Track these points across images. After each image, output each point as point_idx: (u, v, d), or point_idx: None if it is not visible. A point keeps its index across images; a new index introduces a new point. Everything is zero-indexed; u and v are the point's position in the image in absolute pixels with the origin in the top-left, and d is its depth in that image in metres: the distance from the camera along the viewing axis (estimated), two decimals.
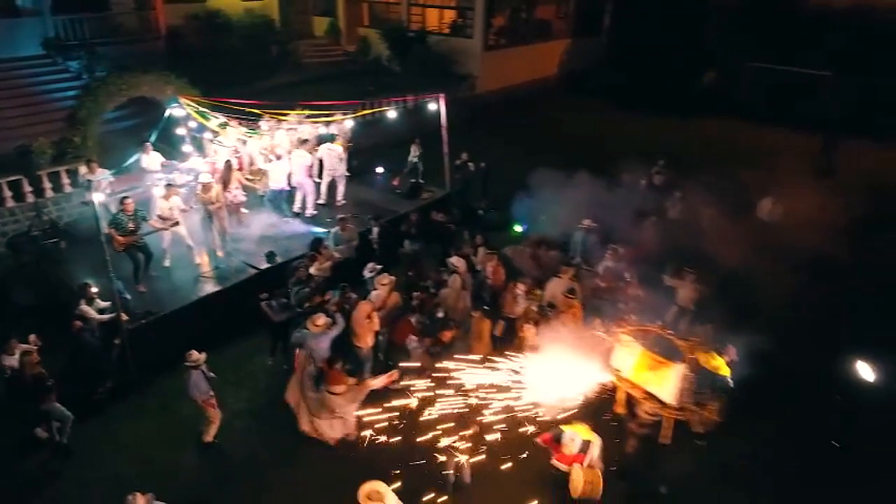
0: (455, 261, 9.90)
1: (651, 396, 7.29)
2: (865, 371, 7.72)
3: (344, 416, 8.16)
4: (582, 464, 6.70)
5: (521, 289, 9.50)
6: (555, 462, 6.95)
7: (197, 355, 7.83)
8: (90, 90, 14.43)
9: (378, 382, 8.15)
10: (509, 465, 7.54)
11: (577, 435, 6.77)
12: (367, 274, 9.80)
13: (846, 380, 8.13)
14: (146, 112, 15.95)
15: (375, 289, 9.32)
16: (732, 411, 8.03)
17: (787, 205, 13.41)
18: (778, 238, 12.21)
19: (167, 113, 13.59)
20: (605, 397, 7.87)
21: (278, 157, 12.76)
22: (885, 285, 11.85)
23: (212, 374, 8.04)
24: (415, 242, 11.88)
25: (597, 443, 6.86)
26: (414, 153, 14.89)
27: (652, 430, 7.57)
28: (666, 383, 7.14)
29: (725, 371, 7.88)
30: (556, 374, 7.30)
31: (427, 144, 14.88)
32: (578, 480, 6.62)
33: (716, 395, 7.58)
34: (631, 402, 7.68)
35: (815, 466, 8.06)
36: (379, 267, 9.83)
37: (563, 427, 7.00)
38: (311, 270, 10.06)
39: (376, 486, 5.85)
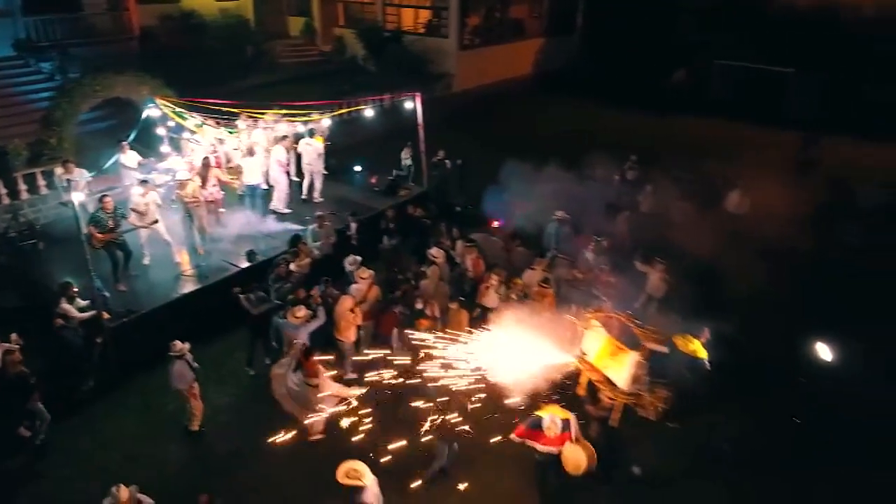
0: (435, 252, 10.17)
1: (608, 381, 7.59)
2: (824, 352, 8.13)
3: (324, 410, 8.29)
4: (571, 441, 6.93)
5: (494, 280, 9.74)
6: (541, 449, 7.07)
7: (181, 345, 7.99)
8: (65, 91, 14.39)
9: (350, 393, 8.19)
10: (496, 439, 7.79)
11: (555, 416, 6.98)
12: (347, 267, 9.98)
13: (808, 361, 8.53)
14: (121, 113, 15.94)
15: (356, 282, 9.50)
16: (704, 393, 8.33)
17: (753, 197, 13.86)
18: (745, 229, 12.68)
19: (144, 113, 13.60)
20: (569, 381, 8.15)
21: (250, 153, 12.85)
22: (845, 272, 12.32)
23: (196, 365, 8.17)
24: (393, 238, 12.08)
25: (573, 418, 7.12)
26: (406, 156, 15.10)
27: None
28: (621, 369, 7.45)
29: (703, 353, 8.32)
30: (519, 351, 7.52)
31: (404, 143, 15.12)
32: (579, 457, 6.85)
33: (668, 382, 7.89)
34: (593, 386, 7.92)
35: (781, 444, 8.43)
36: (359, 259, 10.02)
37: (537, 414, 7.18)
38: (292, 267, 10.21)
39: (354, 464, 6.10)
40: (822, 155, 17.29)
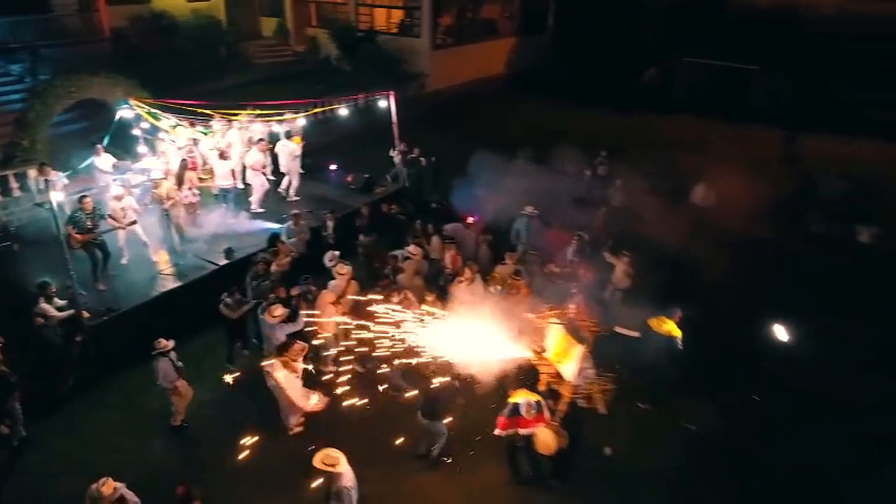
0: (412, 248, 10.40)
1: (559, 374, 7.91)
2: (781, 333, 8.58)
3: (301, 405, 8.45)
4: (545, 423, 7.27)
5: (467, 275, 9.95)
6: (523, 432, 7.39)
7: (165, 342, 8.10)
8: (38, 93, 14.32)
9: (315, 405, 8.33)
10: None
11: (529, 399, 7.31)
12: (327, 262, 10.16)
13: (768, 343, 8.97)
14: (94, 114, 15.87)
15: (335, 278, 9.70)
16: (681, 372, 8.81)
17: (718, 190, 14.35)
18: (711, 220, 13.17)
19: (118, 115, 13.60)
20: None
21: (223, 157, 12.93)
22: (807, 259, 12.85)
23: (179, 364, 8.30)
24: (370, 235, 12.29)
25: (542, 400, 7.43)
26: (397, 155, 15.30)
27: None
28: (570, 362, 7.78)
29: (677, 332, 8.75)
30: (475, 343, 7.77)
31: (379, 141, 15.31)
32: (549, 438, 7.20)
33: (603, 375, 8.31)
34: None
35: (744, 423, 8.85)
36: (338, 254, 10.21)
37: (512, 400, 7.47)
38: (272, 267, 10.36)
39: (330, 451, 6.33)
40: (804, 150, 17.88)
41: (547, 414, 7.37)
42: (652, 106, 23.29)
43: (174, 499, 6.27)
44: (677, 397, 9.10)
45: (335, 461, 6.24)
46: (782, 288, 11.68)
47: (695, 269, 11.33)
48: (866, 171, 16.20)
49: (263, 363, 8.31)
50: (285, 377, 8.01)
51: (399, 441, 8.26)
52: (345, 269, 9.77)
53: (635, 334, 8.72)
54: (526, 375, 8.11)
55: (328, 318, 9.16)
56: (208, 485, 7.28)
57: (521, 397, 7.39)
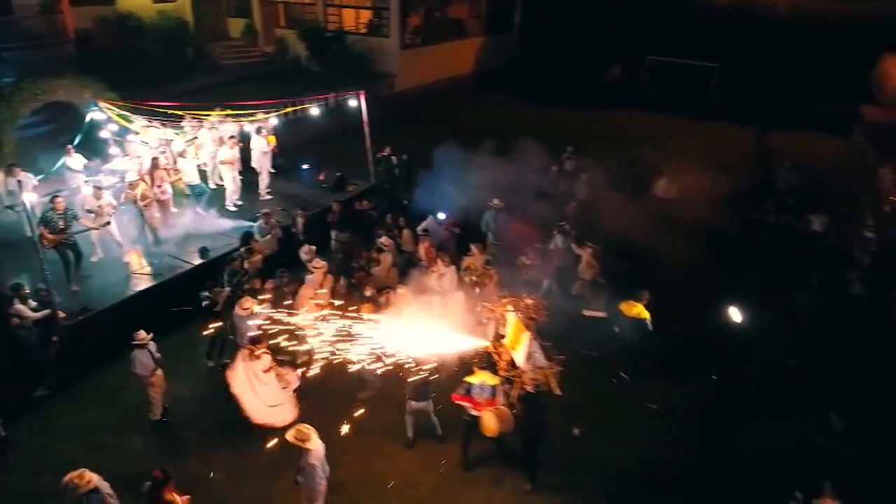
0: (385, 241, 10.71)
1: (512, 361, 8.25)
2: (735, 314, 9.12)
3: (281, 402, 8.64)
4: (498, 406, 7.66)
5: (439, 267, 10.27)
6: (472, 412, 7.83)
7: (144, 335, 8.28)
8: (4, 95, 14.19)
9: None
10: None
11: (485, 382, 7.73)
12: (303, 256, 10.38)
13: (724, 325, 9.51)
14: (61, 117, 15.77)
15: (311, 272, 9.93)
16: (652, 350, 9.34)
17: (679, 183, 14.90)
18: (673, 212, 13.70)
19: (88, 117, 13.59)
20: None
21: (182, 155, 13.05)
22: (762, 246, 13.46)
23: (158, 356, 8.46)
24: (344, 231, 12.52)
25: (499, 384, 7.82)
26: (388, 154, 15.51)
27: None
28: (520, 349, 8.14)
29: (645, 314, 9.26)
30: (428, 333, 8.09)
31: (350, 140, 15.52)
32: (493, 422, 7.62)
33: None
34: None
35: (701, 400, 9.39)
36: (314, 249, 10.45)
37: (468, 380, 7.91)
38: (245, 265, 10.54)
39: (302, 427, 6.66)
40: (776, 143, 18.52)
41: (500, 399, 7.76)
42: (617, 103, 23.88)
43: (152, 481, 6.41)
44: (642, 379, 9.58)
45: (306, 437, 6.57)
46: (738, 274, 12.25)
47: (657, 257, 11.83)
48: (820, 164, 16.97)
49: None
50: (240, 382, 8.18)
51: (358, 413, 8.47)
52: (320, 263, 10.03)
53: (602, 314, 9.16)
54: (487, 361, 8.44)
55: (306, 310, 9.38)
56: (187, 475, 7.47)
57: (478, 379, 7.80)
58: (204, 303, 9.61)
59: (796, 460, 7.91)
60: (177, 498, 6.38)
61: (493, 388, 7.73)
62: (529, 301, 8.62)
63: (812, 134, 20.03)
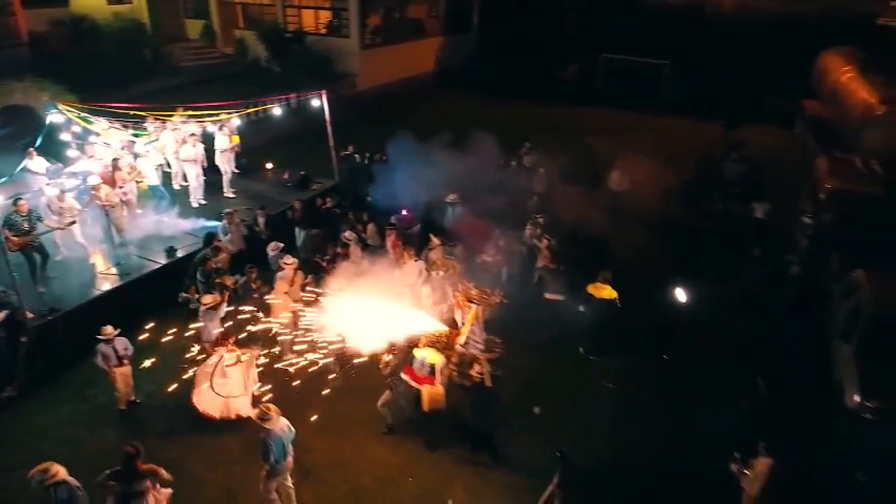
0: (348, 235, 11.06)
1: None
2: (680, 295, 9.77)
3: (243, 392, 8.88)
4: (432, 385, 8.16)
5: (407, 258, 10.68)
6: (409, 381, 8.36)
7: (110, 330, 8.51)
8: None
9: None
10: None
11: (425, 359, 8.20)
12: (270, 252, 10.64)
13: (674, 306, 10.15)
14: (17, 120, 15.67)
15: (282, 268, 10.21)
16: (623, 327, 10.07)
17: (632, 175, 15.58)
18: (626, 203, 14.36)
19: (48, 119, 13.57)
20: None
21: (138, 156, 13.17)
22: (711, 233, 14.22)
23: (128, 351, 8.69)
24: (306, 229, 12.79)
25: (440, 364, 8.28)
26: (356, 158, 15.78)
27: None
28: (464, 333, 8.75)
29: (613, 294, 9.92)
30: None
31: (313, 140, 15.79)
32: (425, 399, 8.17)
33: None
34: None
35: (654, 374, 10.07)
36: (282, 245, 10.71)
37: (414, 352, 8.38)
38: (214, 265, 10.76)
39: (266, 405, 7.01)
40: (744, 136, 19.32)
41: (438, 378, 8.23)
42: (573, 100, 24.60)
43: (123, 457, 6.62)
44: (604, 357, 10.21)
45: (267, 416, 6.90)
46: (689, 257, 12.97)
47: (612, 245, 12.44)
48: (766, 155, 17.90)
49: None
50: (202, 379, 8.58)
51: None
52: (291, 259, 10.30)
53: (561, 298, 9.82)
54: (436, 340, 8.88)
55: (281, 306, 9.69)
56: (162, 462, 7.68)
57: (421, 354, 8.27)
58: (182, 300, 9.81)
59: (736, 425, 8.57)
60: (153, 466, 6.65)
61: (433, 366, 8.20)
62: (487, 290, 9.12)
63: (759, 127, 20.99)
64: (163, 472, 6.69)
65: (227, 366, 8.68)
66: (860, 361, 8.83)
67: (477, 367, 8.14)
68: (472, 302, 9.05)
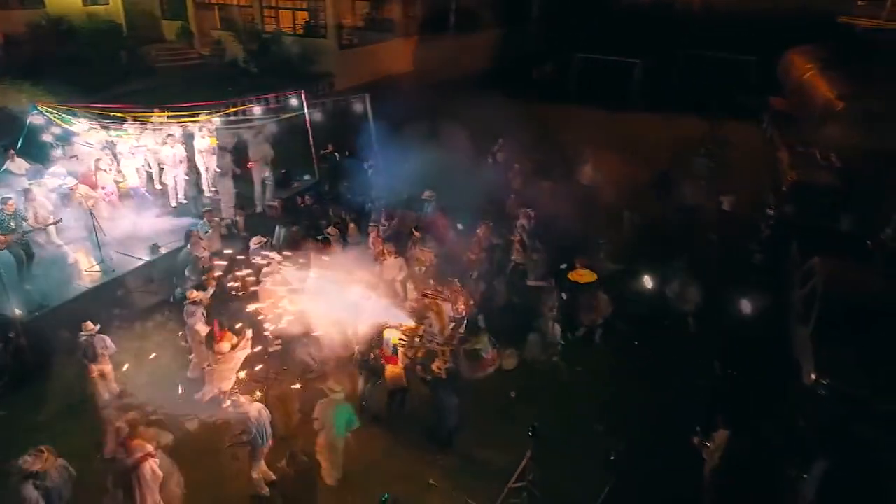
0: (330, 230, 11.41)
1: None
2: (648, 281, 10.29)
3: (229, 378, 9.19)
4: (395, 365, 8.74)
5: (386, 255, 11.04)
6: (382, 360, 8.94)
7: (91, 326, 8.74)
8: None
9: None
10: None
11: (389, 340, 8.78)
12: (252, 246, 10.92)
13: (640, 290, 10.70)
14: None
15: (266, 263, 10.48)
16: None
17: (603, 170, 16.11)
18: (597, 197, 14.88)
19: (29, 120, 13.66)
20: None
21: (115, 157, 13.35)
22: (678, 224, 14.76)
23: (110, 348, 8.93)
24: (287, 226, 13.07)
25: (396, 341, 8.83)
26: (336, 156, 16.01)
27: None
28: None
29: (593, 276, 10.66)
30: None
31: (293, 138, 16.04)
32: (387, 375, 8.81)
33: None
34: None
35: (625, 355, 10.57)
36: (264, 240, 11.01)
37: (386, 330, 8.98)
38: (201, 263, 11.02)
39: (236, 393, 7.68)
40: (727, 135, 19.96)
41: (400, 359, 8.82)
42: (548, 98, 25.12)
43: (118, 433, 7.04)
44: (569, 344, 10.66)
45: (239, 403, 7.51)
46: (658, 246, 13.44)
47: (584, 237, 12.91)
48: (733, 150, 18.58)
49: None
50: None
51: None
52: (275, 255, 10.59)
53: (543, 283, 10.53)
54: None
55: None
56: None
57: (389, 335, 8.89)
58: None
59: (698, 402, 9.10)
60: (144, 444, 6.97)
61: (395, 347, 8.78)
62: (442, 288, 9.75)
63: (729, 122, 21.64)
64: (149, 447, 7.01)
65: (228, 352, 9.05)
66: (815, 342, 9.40)
67: (437, 362, 8.64)
68: (426, 298, 9.58)
